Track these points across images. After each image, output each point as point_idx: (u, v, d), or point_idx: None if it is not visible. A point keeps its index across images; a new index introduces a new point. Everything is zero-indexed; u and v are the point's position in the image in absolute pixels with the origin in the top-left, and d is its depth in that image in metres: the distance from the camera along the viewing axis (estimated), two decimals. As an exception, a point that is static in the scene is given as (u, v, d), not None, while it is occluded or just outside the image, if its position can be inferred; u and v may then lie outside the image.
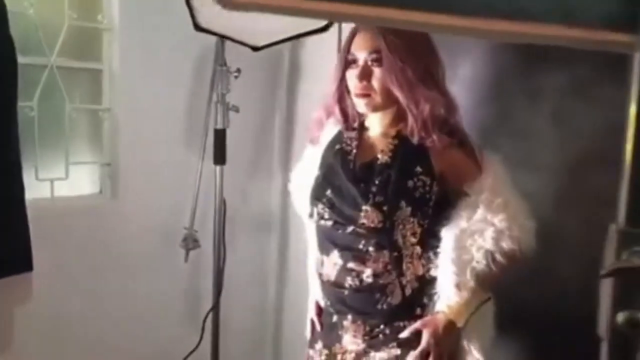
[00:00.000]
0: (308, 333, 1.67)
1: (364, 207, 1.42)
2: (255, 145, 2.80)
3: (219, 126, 2.34)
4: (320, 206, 1.50)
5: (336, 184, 1.49)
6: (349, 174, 1.48)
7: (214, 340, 2.43)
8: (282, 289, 2.89)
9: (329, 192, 1.49)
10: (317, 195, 1.51)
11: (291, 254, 2.85)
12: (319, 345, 1.60)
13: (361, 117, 1.54)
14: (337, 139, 1.57)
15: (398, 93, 1.41)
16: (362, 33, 1.46)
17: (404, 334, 1.43)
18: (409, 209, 1.41)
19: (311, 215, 1.53)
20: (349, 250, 1.45)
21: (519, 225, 1.37)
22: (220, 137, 2.35)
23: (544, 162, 1.78)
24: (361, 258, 1.44)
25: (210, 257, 2.45)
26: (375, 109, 1.48)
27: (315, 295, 1.62)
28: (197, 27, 2.12)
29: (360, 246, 1.43)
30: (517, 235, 1.37)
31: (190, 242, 2.45)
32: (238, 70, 2.32)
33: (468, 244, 1.39)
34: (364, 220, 1.42)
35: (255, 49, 2.27)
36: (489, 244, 1.37)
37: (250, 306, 2.83)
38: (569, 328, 1.61)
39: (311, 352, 1.62)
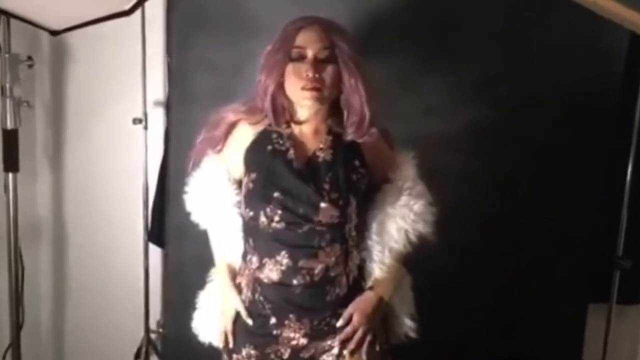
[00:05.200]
0: (225, 343, 1.58)
1: (321, 205, 1.43)
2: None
3: (11, 126, 1.94)
4: (269, 209, 1.44)
5: (283, 185, 1.44)
6: (295, 173, 1.45)
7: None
8: (61, 302, 2.56)
9: (276, 194, 1.43)
10: (263, 198, 1.45)
11: (70, 262, 2.53)
12: (246, 349, 1.55)
13: (291, 115, 1.51)
14: (263, 139, 1.50)
15: (349, 90, 1.45)
16: (309, 30, 1.43)
17: (339, 323, 1.49)
18: (355, 201, 1.48)
19: (255, 220, 1.47)
20: (300, 248, 1.45)
21: (431, 211, 1.58)
22: (11, 138, 1.95)
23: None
24: (314, 254, 1.45)
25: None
26: (321, 102, 1.46)
27: (235, 304, 1.55)
28: (-4, 8, 1.71)
29: (314, 243, 1.44)
30: (429, 219, 1.57)
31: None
32: (30, 59, 1.95)
33: (390, 226, 1.55)
34: (320, 218, 1.43)
35: (55, 33, 1.94)
36: (408, 226, 1.55)
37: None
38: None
39: (235, 356, 1.57)
